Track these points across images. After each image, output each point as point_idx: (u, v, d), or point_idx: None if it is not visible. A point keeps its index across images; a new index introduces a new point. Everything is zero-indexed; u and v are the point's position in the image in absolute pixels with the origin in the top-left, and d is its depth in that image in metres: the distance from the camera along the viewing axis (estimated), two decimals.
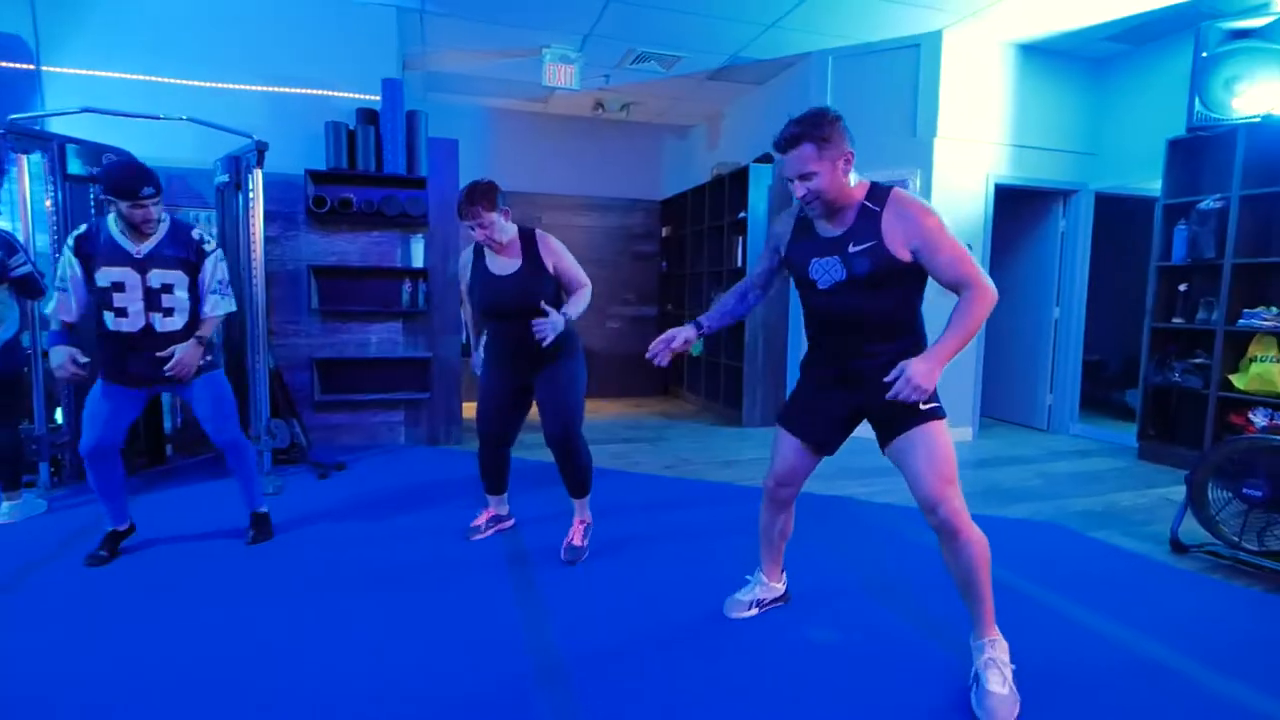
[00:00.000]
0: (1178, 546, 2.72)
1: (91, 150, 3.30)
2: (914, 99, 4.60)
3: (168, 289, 2.26)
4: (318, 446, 4.15)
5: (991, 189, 4.74)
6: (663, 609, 2.15)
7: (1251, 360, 3.74)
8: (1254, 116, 3.69)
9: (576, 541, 2.53)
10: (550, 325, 2.20)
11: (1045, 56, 4.72)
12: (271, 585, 2.27)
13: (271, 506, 2.90)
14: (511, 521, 2.86)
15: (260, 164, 3.32)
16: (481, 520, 2.75)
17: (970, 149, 4.64)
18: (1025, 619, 2.10)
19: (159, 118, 3.17)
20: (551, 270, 2.39)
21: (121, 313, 2.21)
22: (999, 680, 1.61)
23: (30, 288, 2.84)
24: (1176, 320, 4.15)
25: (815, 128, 1.58)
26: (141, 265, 2.21)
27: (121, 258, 2.19)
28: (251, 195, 3.35)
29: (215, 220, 3.77)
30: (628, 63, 5.13)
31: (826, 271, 1.68)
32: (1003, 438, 4.97)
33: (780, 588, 2.14)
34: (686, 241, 6.36)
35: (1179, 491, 3.60)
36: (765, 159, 5.27)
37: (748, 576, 2.17)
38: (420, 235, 4.25)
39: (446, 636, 1.96)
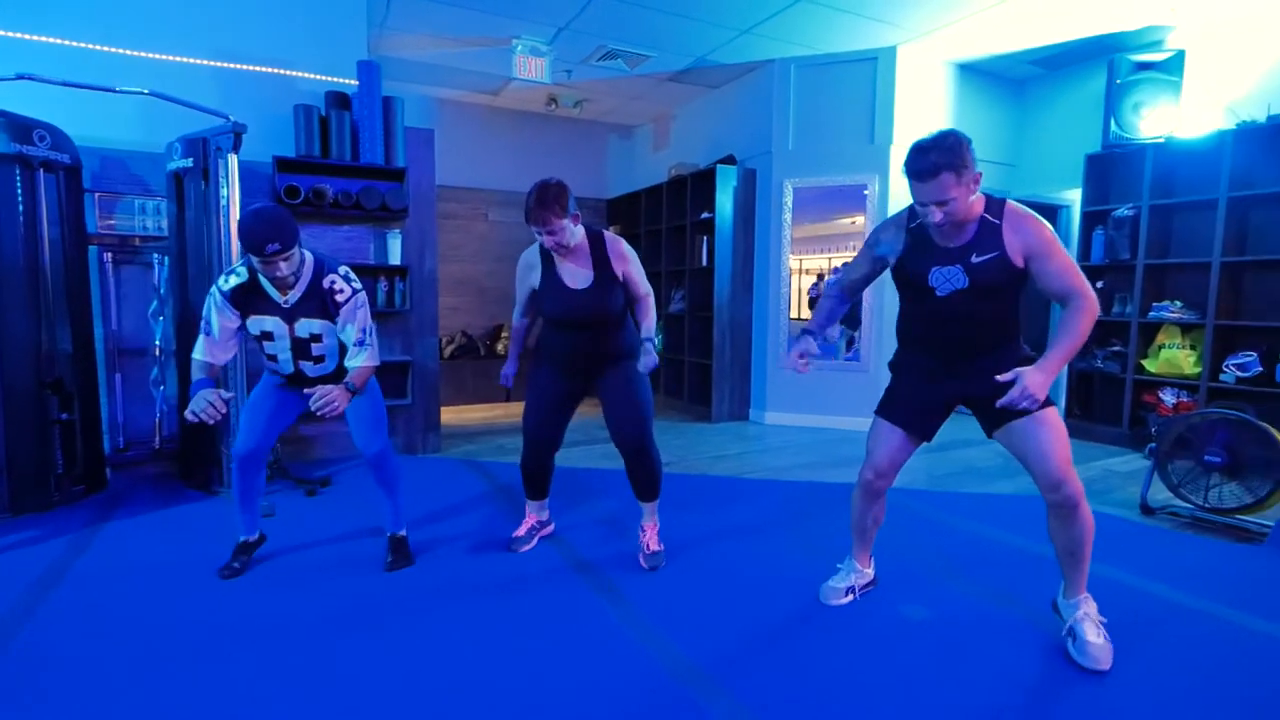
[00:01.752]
0: (1146, 509, 3.13)
1: (20, 124, 2.77)
2: (871, 108, 4.91)
3: (316, 339, 2.15)
4: (288, 462, 3.75)
5: None
6: (755, 603, 2.17)
7: (1160, 347, 4.37)
8: (1159, 137, 4.30)
9: (654, 546, 2.47)
10: (651, 364, 2.20)
11: (978, 75, 5.22)
12: (360, 603, 2.05)
13: (270, 529, 2.61)
14: (551, 526, 2.76)
15: (237, 148, 2.94)
16: (523, 530, 2.63)
17: None
18: (1046, 570, 2.34)
19: (114, 90, 2.76)
20: (621, 278, 2.30)
21: (272, 358, 2.19)
22: (1095, 631, 1.80)
23: None
24: None
25: (955, 155, 1.62)
26: (289, 315, 2.12)
27: (270, 306, 2.11)
28: (226, 185, 2.95)
29: (167, 210, 3.30)
30: (595, 59, 5.07)
31: (947, 280, 1.78)
32: (950, 422, 5.42)
33: (870, 573, 2.22)
34: (640, 241, 6.38)
35: (1117, 463, 4.14)
36: (728, 160, 5.41)
37: (839, 565, 2.23)
38: (397, 230, 3.94)
39: (568, 643, 1.87)
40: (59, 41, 3.35)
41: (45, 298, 2.89)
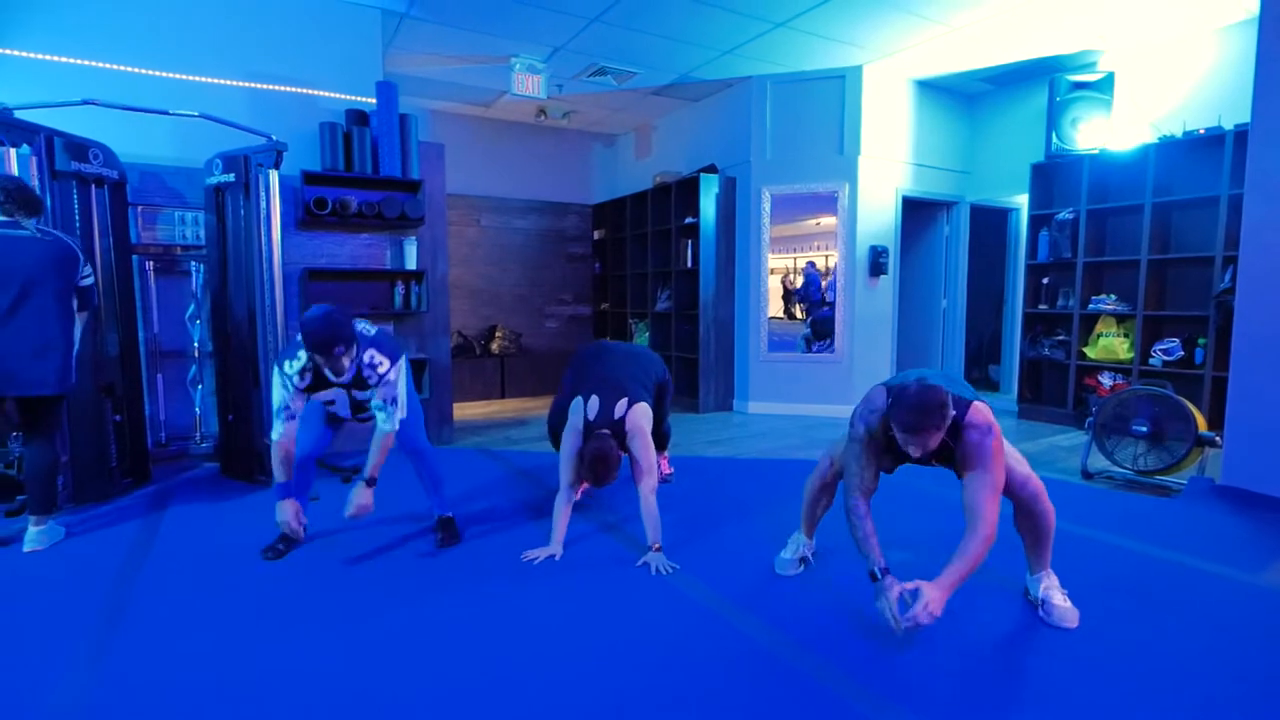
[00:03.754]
0: (1087, 475, 3.62)
1: (78, 144, 3.01)
2: (841, 122, 5.37)
3: (368, 401, 2.46)
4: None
5: (900, 200, 5.66)
6: (762, 557, 2.55)
7: (1099, 335, 4.92)
8: (1093, 149, 4.86)
9: (667, 469, 3.04)
10: (660, 567, 2.40)
11: (935, 91, 5.74)
12: (442, 580, 2.34)
13: (318, 515, 2.89)
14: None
15: (278, 165, 3.21)
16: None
17: (884, 166, 5.51)
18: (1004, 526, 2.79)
19: (168, 113, 3.01)
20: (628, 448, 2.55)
21: (330, 403, 2.50)
22: (1061, 597, 2.04)
23: (87, 299, 2.71)
24: (1042, 306, 5.29)
25: (941, 418, 1.76)
26: (347, 388, 2.41)
27: (329, 382, 2.37)
28: (266, 198, 3.22)
29: (205, 222, 3.53)
30: (586, 75, 5.41)
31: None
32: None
33: (812, 543, 2.49)
34: (626, 244, 6.74)
35: (1062, 439, 4.67)
36: (710, 169, 5.81)
37: (787, 539, 2.50)
38: (413, 237, 4.23)
39: (636, 607, 2.21)
40: (111, 66, 3.62)
41: (99, 308, 3.12)
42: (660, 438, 2.97)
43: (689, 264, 5.86)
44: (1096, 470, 3.62)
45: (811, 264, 5.62)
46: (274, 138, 3.22)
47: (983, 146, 5.99)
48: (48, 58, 3.51)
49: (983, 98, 5.94)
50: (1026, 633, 1.99)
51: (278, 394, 2.33)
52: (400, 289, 4.22)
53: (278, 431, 2.34)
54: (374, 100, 4.07)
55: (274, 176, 3.24)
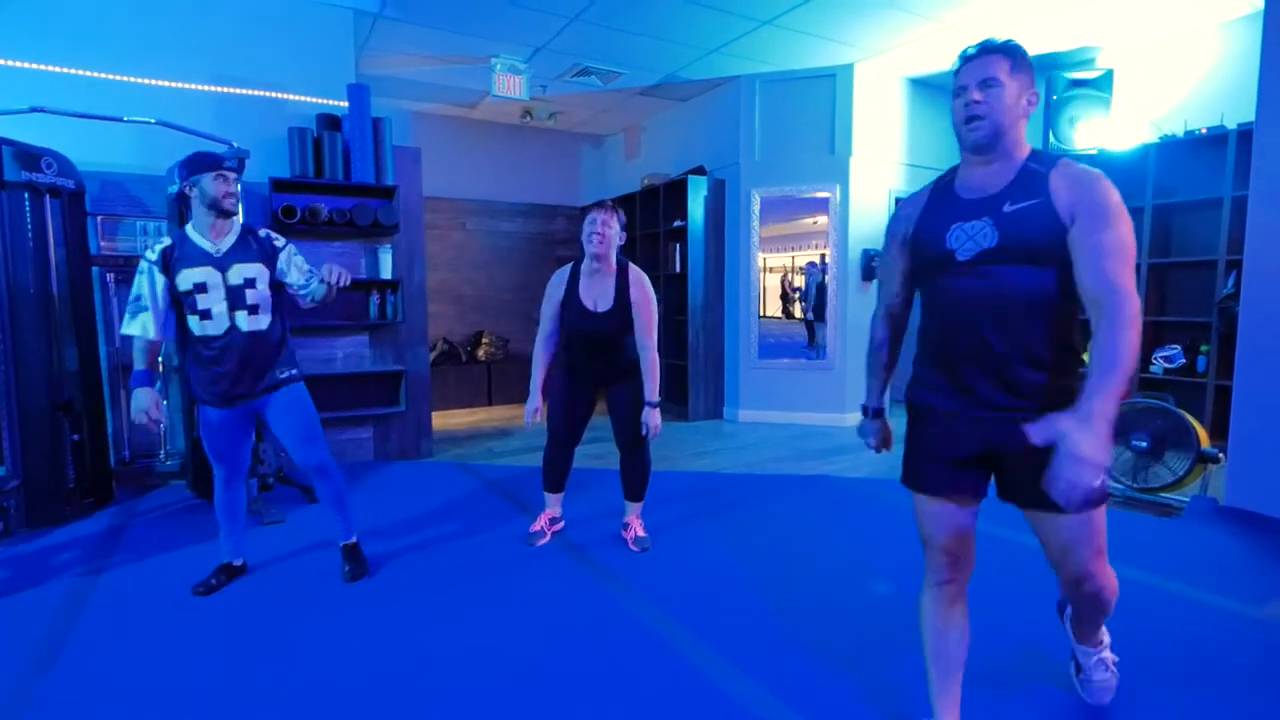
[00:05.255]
0: None
1: (28, 153, 2.88)
2: (831, 122, 5.23)
3: (250, 284, 2.18)
4: (290, 471, 3.88)
5: (893, 202, 5.51)
6: (741, 584, 2.42)
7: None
8: (1091, 149, 4.70)
9: (640, 531, 2.75)
10: (654, 428, 2.49)
11: (929, 89, 5.58)
12: (402, 606, 2.23)
13: (284, 535, 2.77)
14: (562, 524, 2.96)
15: (240, 173, 3.07)
16: (541, 525, 2.84)
17: (877, 167, 5.37)
18: (995, 552, 2.66)
19: (122, 120, 2.91)
20: (633, 306, 2.52)
21: (205, 315, 2.14)
22: (1103, 671, 1.67)
23: None
24: None
25: (1016, 46, 1.31)
26: (221, 263, 2.16)
27: (201, 258, 2.15)
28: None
29: (168, 231, 3.41)
30: (569, 75, 5.27)
31: (971, 237, 1.30)
32: (903, 416, 5.78)
33: None
34: None
35: None
36: (698, 171, 5.67)
37: None
38: (388, 245, 4.10)
39: (578, 611, 2.09)
40: (64, 70, 3.47)
41: (54, 321, 3.01)
42: (639, 469, 2.73)
43: (677, 268, 5.73)
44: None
45: (812, 264, 5.47)
46: (235, 144, 3.10)
47: None
48: (9, 64, 3.38)
49: None
50: (1008, 671, 1.86)
51: (135, 283, 2.11)
52: (375, 298, 4.10)
53: (133, 326, 2.08)
54: (346, 104, 3.94)
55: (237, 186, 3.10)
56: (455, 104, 5.98)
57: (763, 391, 5.57)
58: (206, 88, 3.79)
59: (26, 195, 2.90)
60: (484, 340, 6.63)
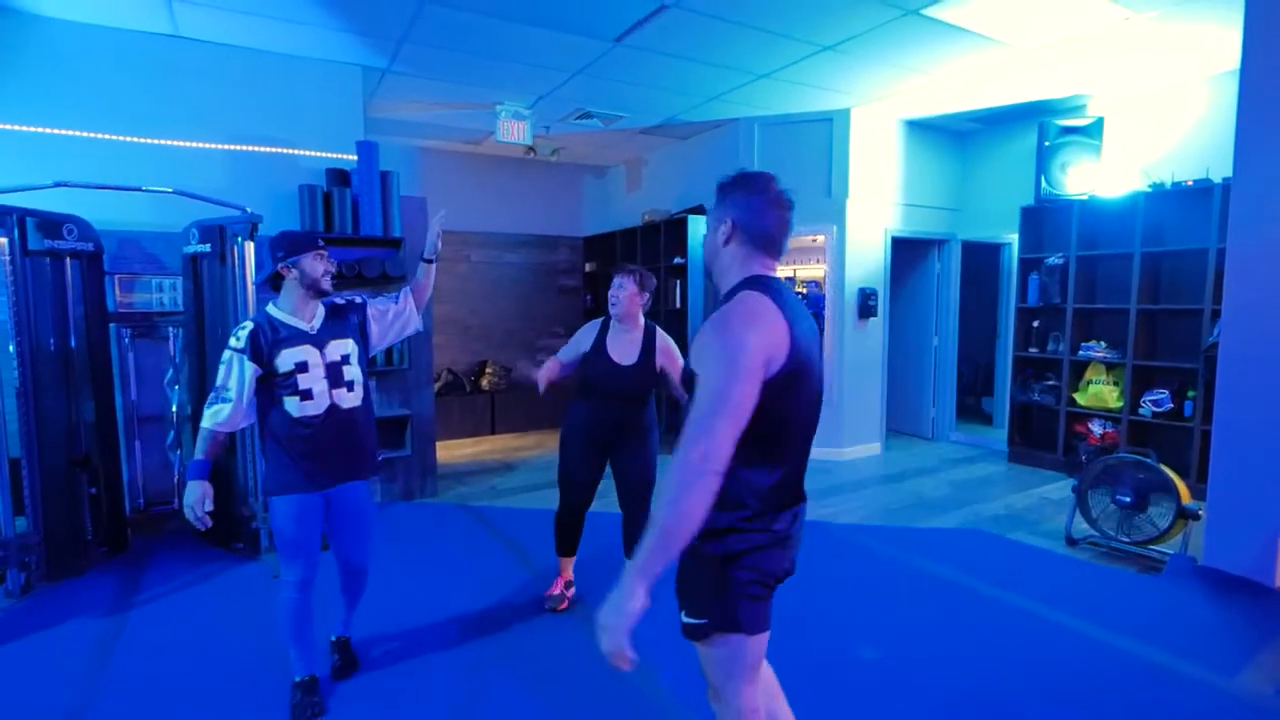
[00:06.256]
0: (1070, 541, 3.58)
1: (51, 222, 3.02)
2: (828, 164, 5.34)
3: (346, 361, 2.13)
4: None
5: (889, 241, 5.61)
6: None
7: (1089, 382, 4.87)
8: (1083, 194, 4.80)
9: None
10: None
11: (925, 130, 5.69)
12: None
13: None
14: (574, 590, 2.96)
15: (253, 236, 3.22)
16: (558, 588, 2.89)
17: (873, 207, 5.47)
18: (982, 613, 2.76)
19: (141, 189, 3.04)
20: (659, 370, 2.67)
21: (306, 397, 2.04)
22: None
23: None
24: (1033, 350, 5.24)
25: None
26: (318, 340, 2.08)
27: (297, 337, 2.05)
28: (242, 268, 3.25)
29: (182, 288, 3.55)
30: (572, 118, 5.40)
31: None
32: (904, 449, 5.88)
33: None
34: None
35: (1051, 490, 4.61)
36: (698, 210, 5.79)
37: None
38: (395, 293, 4.22)
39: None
40: (85, 135, 3.62)
41: (73, 378, 3.14)
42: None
43: (678, 304, 5.84)
44: (1080, 536, 3.58)
45: (815, 283, 5.58)
46: (249, 209, 3.23)
47: (974, 184, 5.94)
48: (20, 128, 3.51)
49: (973, 136, 5.89)
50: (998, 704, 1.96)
51: (220, 373, 1.99)
52: None
53: (212, 419, 1.95)
54: (355, 157, 4.07)
55: (249, 248, 3.26)
56: (461, 141, 6.12)
57: None
58: (221, 146, 3.93)
59: (48, 261, 3.04)
60: (488, 370, 6.75)
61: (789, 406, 1.24)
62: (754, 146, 5.48)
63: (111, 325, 3.54)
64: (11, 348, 2.96)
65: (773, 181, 1.34)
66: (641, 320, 2.69)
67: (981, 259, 6.29)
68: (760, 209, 1.31)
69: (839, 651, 2.51)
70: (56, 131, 3.58)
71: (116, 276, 3.63)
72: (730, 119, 5.49)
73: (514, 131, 4.98)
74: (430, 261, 2.40)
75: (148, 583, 3.09)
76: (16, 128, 3.52)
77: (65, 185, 2.87)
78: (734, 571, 1.27)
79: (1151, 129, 4.74)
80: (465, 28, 3.71)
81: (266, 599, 2.76)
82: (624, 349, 2.65)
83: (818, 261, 5.44)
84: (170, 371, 3.77)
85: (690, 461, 1.12)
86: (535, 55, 4.12)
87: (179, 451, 3.82)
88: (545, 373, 2.65)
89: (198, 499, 1.95)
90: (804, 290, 5.62)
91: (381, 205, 4.07)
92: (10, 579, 2.93)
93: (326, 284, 2.08)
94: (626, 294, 2.61)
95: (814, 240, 5.43)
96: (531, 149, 6.36)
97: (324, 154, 4.14)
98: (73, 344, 3.16)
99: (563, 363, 2.72)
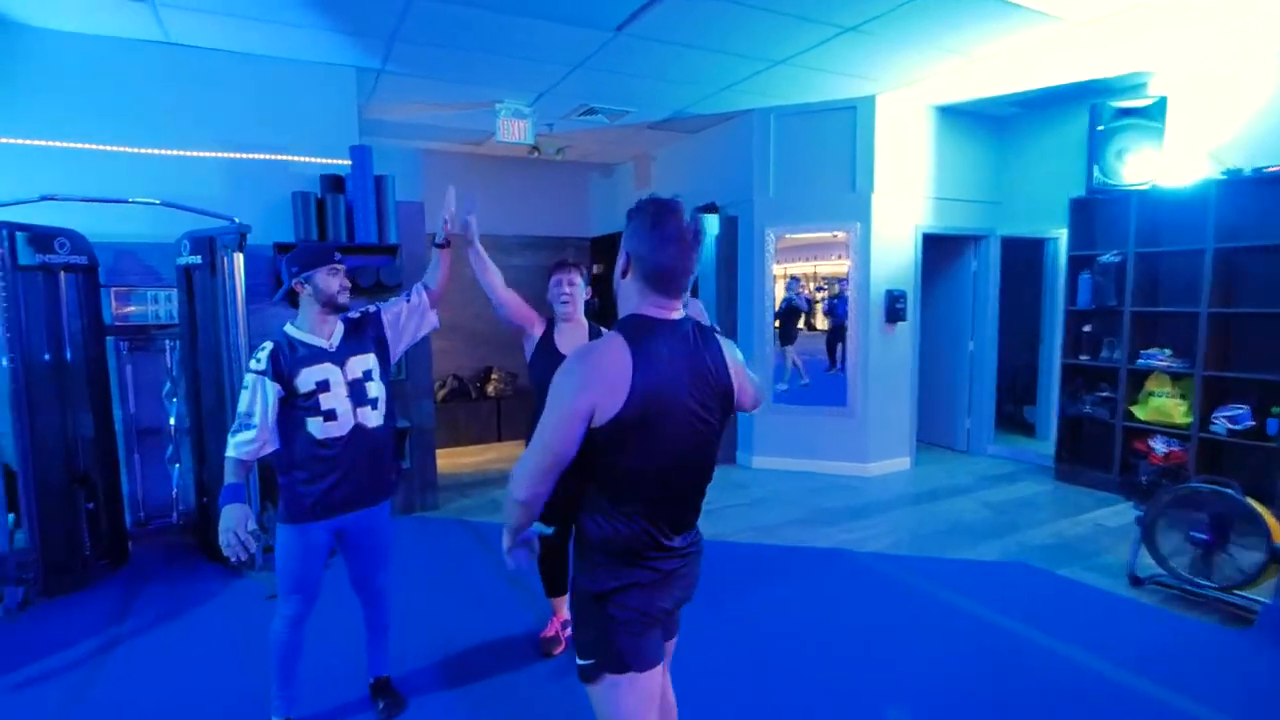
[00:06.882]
0: (1135, 580, 3.11)
1: (43, 236, 2.97)
2: (852, 156, 4.91)
3: (368, 377, 2.04)
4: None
5: (919, 239, 5.15)
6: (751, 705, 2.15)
7: (1150, 394, 4.34)
8: (1142, 184, 4.28)
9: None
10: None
11: (959, 117, 5.21)
12: None
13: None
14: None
15: (241, 247, 3.13)
16: (554, 630, 2.62)
17: (902, 202, 5.02)
18: (1030, 666, 2.34)
19: (127, 201, 3.03)
20: None
21: (330, 418, 1.95)
22: None
23: None
24: (1084, 357, 4.72)
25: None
26: (338, 357, 1.99)
27: (317, 355, 1.96)
28: (231, 279, 3.18)
29: (178, 300, 3.50)
30: (575, 114, 5.08)
31: None
32: (935, 463, 5.41)
33: None
34: None
35: (1108, 515, 4.12)
36: (710, 209, 5.40)
37: None
38: (392, 302, 3.99)
39: None
40: (75, 145, 3.55)
41: (70, 391, 3.12)
42: None
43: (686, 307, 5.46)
44: (1147, 574, 3.10)
45: (841, 280, 5.10)
46: (236, 220, 3.14)
47: (1015, 175, 5.43)
48: (8, 141, 3.44)
49: (1014, 121, 5.38)
50: None
51: (243, 398, 1.90)
52: None
53: (236, 447, 1.86)
54: (349, 162, 3.88)
55: (238, 259, 3.19)
56: (462, 142, 5.86)
57: (779, 436, 5.26)
58: (212, 154, 3.83)
59: (41, 276, 2.99)
60: (493, 376, 6.48)
61: (633, 457, 1.23)
62: (769, 139, 5.08)
63: (109, 338, 3.50)
64: (4, 361, 2.92)
65: (676, 213, 1.25)
66: (583, 318, 2.47)
67: (1023, 256, 5.77)
68: (657, 244, 1.23)
69: (860, 710, 2.12)
70: (46, 143, 3.51)
71: (113, 289, 3.57)
72: (744, 110, 5.10)
73: (515, 131, 4.69)
74: (442, 247, 2.16)
75: (143, 601, 3.02)
76: (5, 140, 3.43)
77: (52, 199, 2.84)
78: (611, 609, 1.26)
79: (1221, 110, 4.20)
80: (456, 22, 3.45)
81: (262, 620, 2.51)
82: (572, 344, 2.37)
83: (839, 257, 5.01)
84: (168, 384, 3.71)
85: (510, 492, 1.28)
86: (532, 49, 3.82)
87: (177, 465, 3.77)
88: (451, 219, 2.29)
89: (238, 521, 1.81)
90: (820, 295, 5.17)
91: (377, 211, 3.87)
92: (8, 595, 2.89)
93: (343, 299, 2.00)
94: (578, 290, 2.42)
95: (834, 236, 5.00)
96: (535, 148, 6.06)
97: (318, 159, 4.00)
98: (69, 357, 3.12)
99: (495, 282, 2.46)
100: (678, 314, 1.28)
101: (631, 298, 1.28)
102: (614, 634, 1.25)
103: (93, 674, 2.44)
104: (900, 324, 5.08)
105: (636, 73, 4.21)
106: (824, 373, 5.17)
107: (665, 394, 1.21)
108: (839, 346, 5.10)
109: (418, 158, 6.01)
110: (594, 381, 1.18)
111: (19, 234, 2.92)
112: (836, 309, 5.09)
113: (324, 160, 4.00)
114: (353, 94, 4.14)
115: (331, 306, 1.98)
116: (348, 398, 1.96)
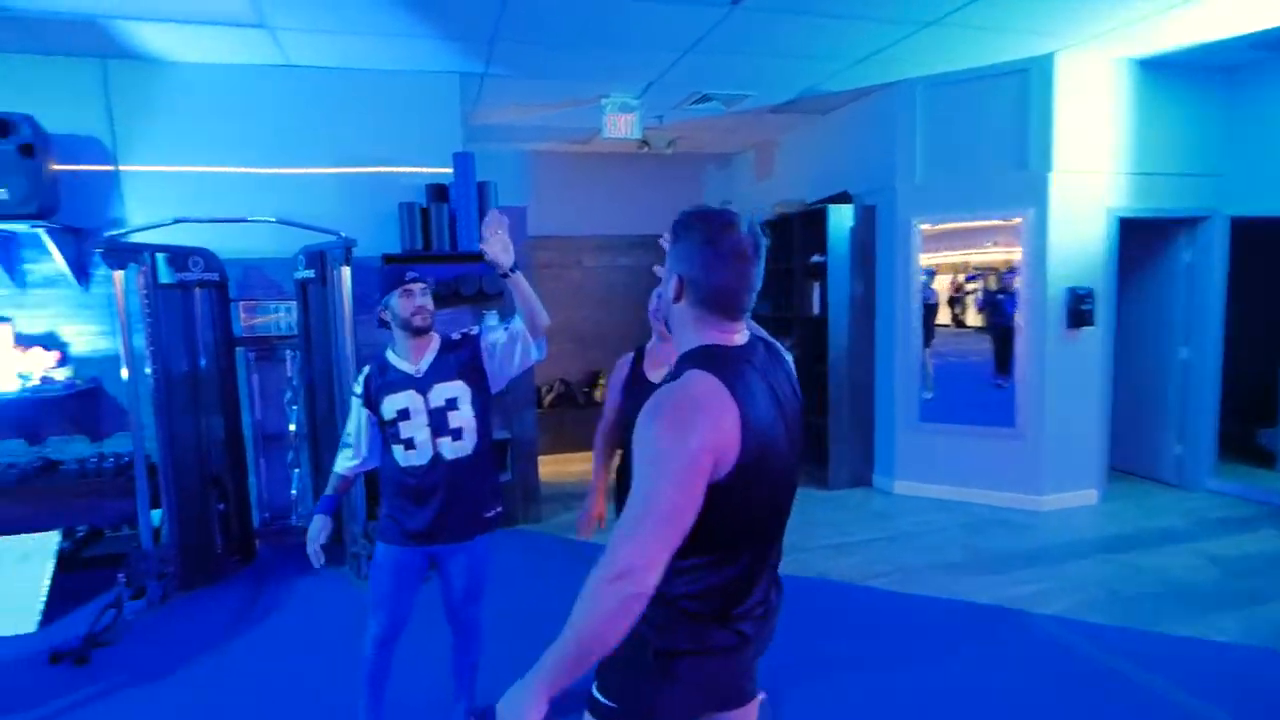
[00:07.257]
0: None
1: (179, 255, 3.29)
2: (1023, 129, 4.10)
3: (452, 406, 1.97)
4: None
5: (1113, 224, 4.22)
6: None
7: None
8: None
9: None
10: None
11: (1167, 70, 4.18)
12: None
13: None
14: None
15: (348, 261, 3.23)
16: None
17: (1088, 180, 4.13)
18: None
19: (246, 220, 3.27)
20: None
21: (409, 446, 1.96)
22: None
23: None
24: None
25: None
26: (422, 384, 1.97)
27: (401, 381, 1.98)
28: (339, 292, 3.30)
29: (295, 311, 3.75)
30: (688, 103, 4.74)
31: None
32: (1132, 499, 4.43)
33: None
34: None
35: None
36: (842, 198, 4.80)
37: None
38: (494, 310, 4.04)
39: None
40: (205, 169, 3.83)
41: (203, 399, 3.39)
42: None
43: (815, 310, 4.92)
44: None
45: (1010, 274, 4.26)
46: (343, 234, 3.26)
47: (1251, 139, 4.27)
48: (148, 169, 3.76)
49: (1248, 70, 4.23)
50: None
51: (350, 417, 2.06)
52: None
53: (340, 463, 2.04)
54: (452, 170, 3.88)
55: (345, 272, 3.28)
56: (568, 141, 5.75)
57: (926, 459, 4.57)
58: (325, 170, 3.99)
59: (178, 293, 3.29)
60: (601, 381, 6.31)
61: (749, 502, 1.06)
62: (915, 115, 4.40)
63: (238, 349, 3.77)
64: (148, 371, 3.21)
65: (732, 225, 1.07)
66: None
67: (1261, 240, 4.56)
68: (712, 263, 1.08)
69: None
70: (179, 169, 3.79)
71: (241, 303, 3.83)
72: (884, 84, 4.46)
73: (621, 126, 4.44)
74: (507, 275, 1.91)
75: (270, 598, 3.24)
76: (146, 168, 3.75)
77: (183, 221, 3.14)
78: (675, 667, 1.09)
79: None
80: (554, 14, 3.26)
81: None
82: (665, 365, 2.00)
83: (994, 244, 4.22)
84: (289, 392, 3.93)
85: (608, 576, 0.93)
86: (638, 35, 3.54)
87: (297, 470, 3.99)
88: (591, 500, 2.30)
89: (317, 531, 1.97)
90: (972, 287, 4.37)
91: (479, 218, 3.79)
92: (151, 590, 3.14)
93: (419, 321, 1.94)
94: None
95: (994, 223, 4.22)
96: (644, 143, 5.77)
97: (424, 169, 4.05)
98: (203, 367, 3.42)
99: (605, 449, 2.31)
100: (741, 336, 1.12)
101: (689, 326, 1.11)
102: (662, 693, 1.09)
103: (223, 665, 2.67)
104: (1086, 329, 4.19)
105: (757, 50, 3.77)
106: (990, 384, 4.39)
107: (769, 423, 1.06)
108: (1002, 352, 4.31)
109: (524, 161, 6.00)
110: (710, 430, 0.98)
111: (159, 255, 3.16)
112: (1002, 306, 4.29)
113: (430, 170, 4.04)
114: (456, 101, 4.13)
115: (409, 329, 1.94)
116: (427, 426, 1.93)
